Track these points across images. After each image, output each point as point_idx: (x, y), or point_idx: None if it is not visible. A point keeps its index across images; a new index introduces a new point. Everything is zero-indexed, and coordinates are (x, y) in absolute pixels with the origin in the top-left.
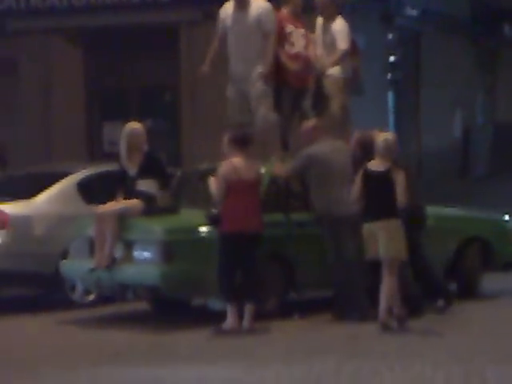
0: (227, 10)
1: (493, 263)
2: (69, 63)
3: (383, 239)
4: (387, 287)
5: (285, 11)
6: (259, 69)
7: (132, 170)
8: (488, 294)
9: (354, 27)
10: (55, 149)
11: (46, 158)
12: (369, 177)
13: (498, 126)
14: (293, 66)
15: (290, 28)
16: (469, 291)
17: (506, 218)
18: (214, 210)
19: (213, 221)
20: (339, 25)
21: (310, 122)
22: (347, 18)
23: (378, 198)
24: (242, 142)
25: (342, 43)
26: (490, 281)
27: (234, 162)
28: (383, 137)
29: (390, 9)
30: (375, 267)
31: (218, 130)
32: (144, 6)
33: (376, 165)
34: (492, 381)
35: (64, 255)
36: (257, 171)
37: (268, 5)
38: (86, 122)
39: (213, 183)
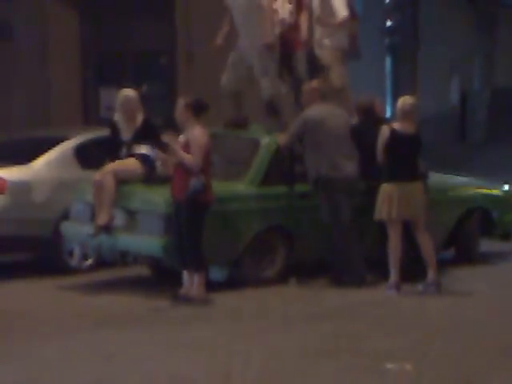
0: None
1: (492, 233)
2: (64, 27)
3: (420, 200)
4: (429, 244)
5: None
6: (261, 41)
7: (126, 135)
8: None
9: None
10: (52, 113)
11: (43, 122)
12: (398, 138)
13: (496, 90)
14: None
15: None
16: (467, 259)
17: (506, 187)
18: (198, 181)
19: (199, 192)
20: None
21: (312, 84)
22: None
23: (411, 159)
24: (200, 109)
25: (343, 10)
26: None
27: (205, 131)
28: (407, 100)
29: None
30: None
31: (215, 94)
32: None
33: (403, 127)
34: None
35: (61, 220)
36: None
37: None
38: (82, 87)
39: (180, 151)
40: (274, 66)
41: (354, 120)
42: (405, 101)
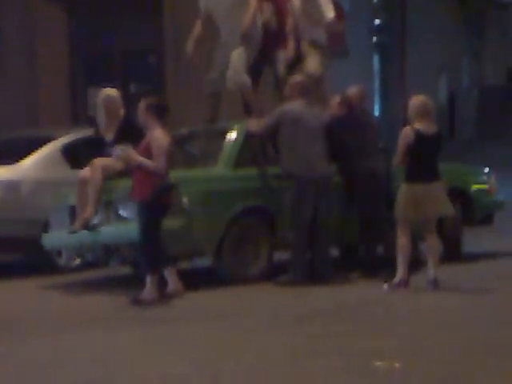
0: None
1: (472, 216)
2: (53, 26)
3: (441, 198)
4: (437, 246)
5: None
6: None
7: (109, 136)
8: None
9: None
10: (40, 113)
11: (32, 122)
12: (422, 138)
13: (484, 89)
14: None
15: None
16: (453, 250)
17: (486, 169)
18: (166, 182)
19: (166, 192)
20: None
21: (296, 78)
22: None
23: (433, 159)
24: (161, 110)
25: (330, 12)
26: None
27: (165, 132)
28: (424, 99)
29: None
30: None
31: (203, 93)
32: None
33: (425, 126)
34: None
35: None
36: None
37: None
38: (71, 86)
39: (134, 155)
40: (241, 61)
41: (330, 113)
42: (423, 100)
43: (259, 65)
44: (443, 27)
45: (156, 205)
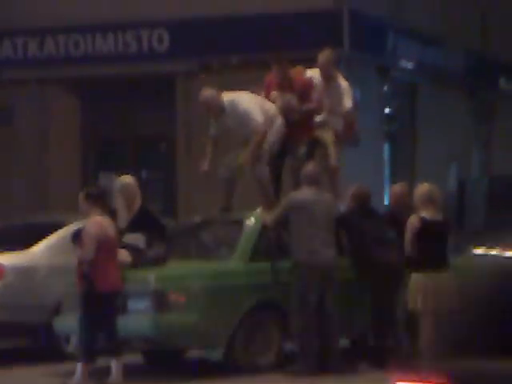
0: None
1: None
2: (65, 113)
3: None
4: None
5: (272, 75)
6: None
7: (122, 223)
8: None
9: (349, 79)
10: (51, 198)
11: (42, 207)
12: (428, 226)
13: (494, 178)
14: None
15: (273, 95)
16: None
17: None
18: (86, 270)
19: (87, 283)
20: (344, 84)
21: (307, 167)
22: (343, 71)
23: (441, 247)
24: (97, 198)
25: (349, 101)
26: None
27: (100, 220)
28: (428, 186)
29: (385, 61)
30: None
31: (214, 182)
32: (140, 57)
33: (430, 214)
34: None
35: (59, 306)
36: (115, 228)
37: (245, 106)
38: (82, 172)
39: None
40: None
41: (344, 206)
42: (428, 188)
43: (279, 157)
44: (452, 116)
45: (87, 293)
